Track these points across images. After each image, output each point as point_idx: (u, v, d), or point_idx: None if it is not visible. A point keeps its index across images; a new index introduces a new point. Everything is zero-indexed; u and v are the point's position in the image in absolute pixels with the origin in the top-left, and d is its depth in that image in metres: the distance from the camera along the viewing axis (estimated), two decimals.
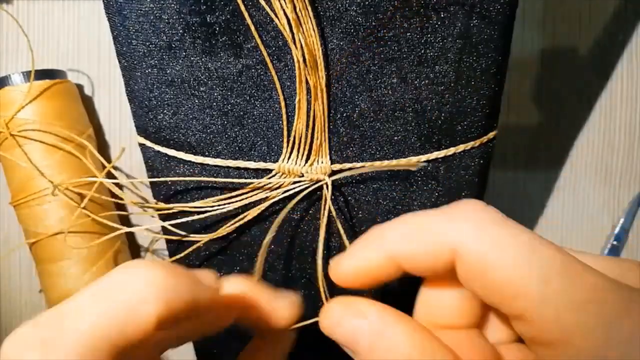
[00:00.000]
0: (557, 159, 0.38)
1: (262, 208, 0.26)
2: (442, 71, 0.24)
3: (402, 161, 0.26)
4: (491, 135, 0.26)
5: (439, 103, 0.25)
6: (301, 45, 0.23)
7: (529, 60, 0.37)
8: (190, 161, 0.26)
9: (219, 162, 0.26)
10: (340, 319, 0.17)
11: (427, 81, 0.25)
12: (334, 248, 0.27)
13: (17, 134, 0.32)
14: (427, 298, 0.18)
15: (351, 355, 0.17)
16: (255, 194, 0.26)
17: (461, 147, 0.26)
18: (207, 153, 0.26)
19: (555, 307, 0.13)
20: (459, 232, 0.15)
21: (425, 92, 0.25)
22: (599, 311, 0.13)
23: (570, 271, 0.14)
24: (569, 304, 0.13)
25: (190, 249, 0.28)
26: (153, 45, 0.24)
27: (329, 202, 0.25)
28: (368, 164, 0.25)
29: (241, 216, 0.27)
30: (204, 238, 0.27)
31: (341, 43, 0.24)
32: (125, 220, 0.37)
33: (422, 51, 0.24)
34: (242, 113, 0.25)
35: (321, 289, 0.21)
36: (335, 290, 0.19)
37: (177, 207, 0.27)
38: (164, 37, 0.24)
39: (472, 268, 0.15)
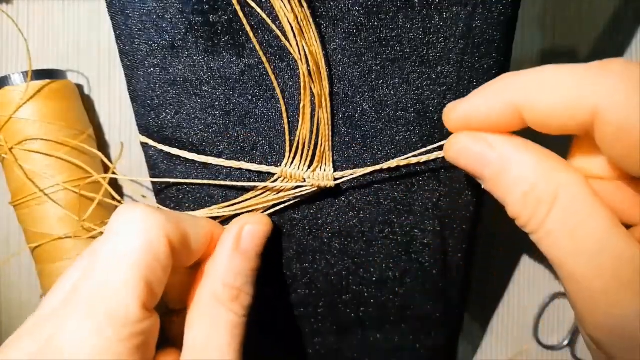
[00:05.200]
0: None
1: (261, 212, 0.26)
2: (444, 72, 0.24)
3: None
4: None
5: (440, 104, 0.25)
6: (305, 55, 0.23)
7: (529, 60, 0.38)
8: (192, 160, 0.26)
9: (221, 161, 0.26)
10: (467, 145, 0.18)
11: (429, 82, 0.25)
12: (335, 249, 0.27)
13: (19, 147, 0.32)
14: (579, 152, 0.18)
15: (479, 181, 0.18)
16: (256, 198, 0.26)
17: None
18: (209, 152, 0.26)
19: None
20: (604, 96, 0.14)
21: (427, 93, 0.25)
22: None
23: None
24: None
25: None
26: (156, 45, 0.24)
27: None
28: (370, 168, 0.25)
29: None
30: None
31: (343, 43, 0.24)
32: None
33: (425, 52, 0.24)
34: (244, 113, 0.25)
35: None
36: None
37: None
38: (167, 37, 0.24)
39: (615, 131, 0.14)
